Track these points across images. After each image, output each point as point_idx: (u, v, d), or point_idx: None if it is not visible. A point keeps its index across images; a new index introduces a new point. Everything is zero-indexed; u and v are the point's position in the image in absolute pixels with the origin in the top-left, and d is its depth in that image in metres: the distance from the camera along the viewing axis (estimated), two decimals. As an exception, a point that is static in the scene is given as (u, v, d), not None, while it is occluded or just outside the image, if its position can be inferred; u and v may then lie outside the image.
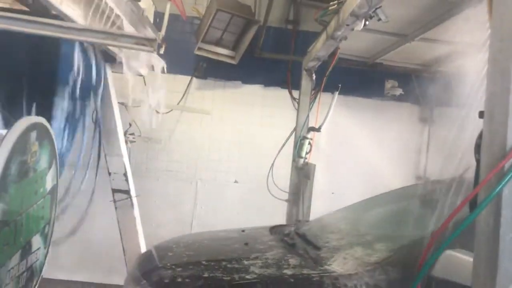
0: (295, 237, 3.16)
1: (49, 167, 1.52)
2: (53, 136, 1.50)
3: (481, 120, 1.36)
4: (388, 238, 2.76)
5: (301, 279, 2.42)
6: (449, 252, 2.31)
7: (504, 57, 1.27)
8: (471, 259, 2.16)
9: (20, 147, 1.28)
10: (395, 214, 3.34)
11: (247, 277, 2.44)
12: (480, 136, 1.35)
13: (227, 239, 3.37)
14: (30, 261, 1.43)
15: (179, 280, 2.50)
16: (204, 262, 2.70)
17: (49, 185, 1.54)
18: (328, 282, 2.36)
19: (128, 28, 3.19)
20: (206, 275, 2.51)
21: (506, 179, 1.20)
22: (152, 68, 4.07)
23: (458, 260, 2.24)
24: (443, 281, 2.23)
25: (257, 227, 3.64)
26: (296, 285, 2.40)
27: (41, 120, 1.41)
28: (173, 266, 2.69)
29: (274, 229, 3.53)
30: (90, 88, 2.86)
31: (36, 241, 1.48)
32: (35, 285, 1.47)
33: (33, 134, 1.36)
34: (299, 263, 2.63)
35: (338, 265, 2.53)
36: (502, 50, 1.28)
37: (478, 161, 1.35)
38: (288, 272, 2.48)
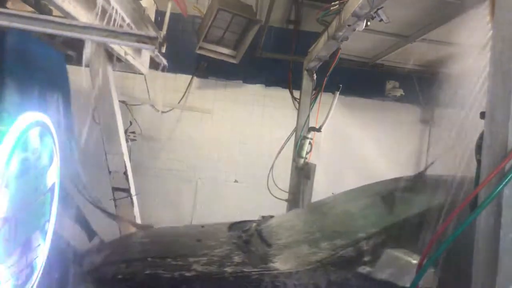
0: (252, 234, 3.12)
1: (50, 164, 1.52)
2: (54, 133, 1.50)
3: (482, 121, 1.36)
4: (336, 236, 2.72)
5: (240, 277, 2.40)
6: (389, 251, 2.30)
7: (506, 58, 1.27)
8: (410, 259, 2.16)
9: (22, 143, 1.28)
10: (352, 212, 3.29)
11: (187, 274, 2.42)
12: (481, 137, 1.35)
13: (183, 235, 3.34)
14: (30, 258, 1.43)
15: (120, 277, 2.49)
16: (149, 259, 2.68)
17: (49, 182, 1.54)
18: (267, 280, 2.34)
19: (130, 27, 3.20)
20: (148, 271, 2.50)
21: (507, 180, 1.21)
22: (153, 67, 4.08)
23: (396, 260, 2.22)
24: (382, 282, 2.22)
25: (219, 223, 3.59)
26: (235, 283, 2.38)
27: (43, 116, 1.41)
28: (118, 263, 2.69)
29: (235, 225, 3.48)
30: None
31: (36, 238, 1.48)
32: (35, 281, 1.48)
33: (35, 131, 1.36)
34: (242, 261, 2.61)
35: (281, 263, 2.51)
36: (504, 51, 1.28)
37: (479, 162, 1.35)
38: (229, 270, 2.46)
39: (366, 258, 2.38)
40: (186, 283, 2.39)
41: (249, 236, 3.04)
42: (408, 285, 2.15)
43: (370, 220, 2.86)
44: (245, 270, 2.46)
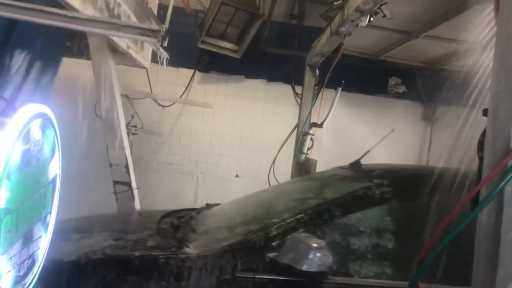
0: (185, 220, 3.07)
1: (52, 157, 1.52)
2: (56, 125, 1.50)
3: (485, 118, 1.36)
4: (252, 222, 2.72)
5: (146, 261, 2.37)
6: (294, 235, 2.34)
7: (510, 54, 1.27)
8: (310, 243, 2.20)
9: (24, 135, 1.28)
10: (280, 199, 3.27)
11: (93, 257, 2.39)
12: (483, 134, 1.35)
13: (115, 220, 3.32)
14: (32, 249, 1.43)
15: None
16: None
17: (51, 174, 1.54)
18: (173, 264, 2.33)
19: (132, 19, 3.19)
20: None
21: (509, 177, 1.20)
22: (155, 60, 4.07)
23: (298, 243, 2.26)
24: (284, 266, 2.25)
25: (162, 210, 3.51)
26: (140, 266, 2.36)
27: (45, 108, 1.41)
28: None
29: (174, 213, 3.42)
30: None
31: (38, 230, 1.48)
32: (36, 273, 1.48)
33: (37, 123, 1.36)
34: (156, 245, 2.59)
35: (193, 248, 2.49)
36: (508, 47, 1.27)
37: (481, 159, 1.35)
38: (137, 253, 2.44)
39: (275, 243, 2.39)
40: (91, 266, 2.35)
41: (181, 223, 3.00)
42: (305, 268, 2.20)
43: (289, 207, 2.86)
44: (152, 253, 2.44)
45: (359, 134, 5.88)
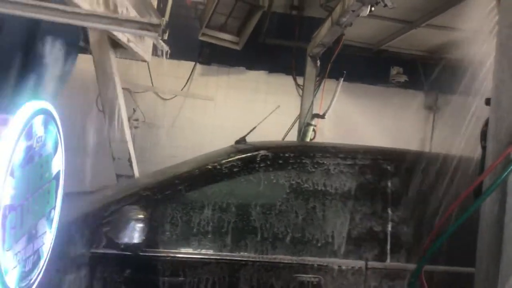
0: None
1: (55, 152, 1.53)
2: (58, 121, 1.50)
3: (487, 107, 1.35)
4: (110, 197, 2.69)
5: None
6: (125, 207, 2.34)
7: (512, 43, 1.26)
8: (133, 214, 2.20)
9: (26, 131, 1.28)
10: (153, 176, 3.23)
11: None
12: (486, 123, 1.34)
13: None
14: (37, 245, 1.44)
15: None
16: None
17: (54, 170, 1.54)
18: None
19: (132, 13, 3.18)
20: None
21: (512, 166, 1.20)
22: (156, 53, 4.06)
23: (123, 216, 2.28)
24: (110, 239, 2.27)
25: None
26: None
27: (47, 104, 1.41)
28: None
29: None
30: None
31: (42, 226, 1.49)
32: (42, 268, 1.49)
33: (39, 119, 1.36)
34: None
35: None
36: (510, 36, 1.27)
37: (484, 148, 1.34)
38: None
39: (111, 218, 2.38)
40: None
41: None
42: (125, 241, 2.26)
43: (152, 180, 2.83)
44: None
45: (362, 124, 5.87)
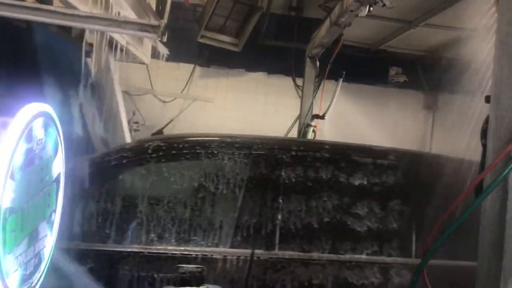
0: None
1: (55, 155, 1.52)
2: (58, 124, 1.50)
3: (487, 105, 1.35)
4: None
5: None
6: None
7: (512, 41, 1.26)
8: None
9: (26, 134, 1.28)
10: None
11: None
12: (486, 121, 1.34)
13: None
14: (38, 248, 1.43)
15: None
16: None
17: (54, 173, 1.54)
18: None
19: (131, 16, 3.18)
20: None
21: (513, 164, 1.20)
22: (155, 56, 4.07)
23: None
24: None
25: None
26: None
27: (47, 107, 1.40)
28: None
29: None
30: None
31: (43, 229, 1.48)
32: (43, 271, 1.49)
33: (39, 121, 1.36)
34: None
35: None
36: (510, 34, 1.27)
37: (484, 146, 1.34)
38: None
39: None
40: None
41: None
42: None
43: None
44: None
45: (361, 125, 5.87)
